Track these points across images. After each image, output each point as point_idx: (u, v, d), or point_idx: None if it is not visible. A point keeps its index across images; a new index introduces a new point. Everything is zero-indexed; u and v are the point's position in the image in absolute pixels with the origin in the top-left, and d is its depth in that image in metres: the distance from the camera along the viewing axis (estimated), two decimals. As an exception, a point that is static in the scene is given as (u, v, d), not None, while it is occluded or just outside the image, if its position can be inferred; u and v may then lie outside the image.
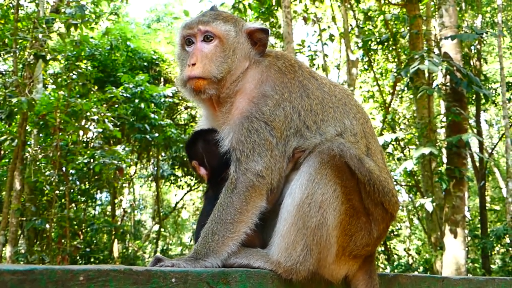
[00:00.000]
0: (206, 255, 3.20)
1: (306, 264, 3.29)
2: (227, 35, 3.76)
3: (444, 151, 16.56)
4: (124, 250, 27.85)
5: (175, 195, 37.73)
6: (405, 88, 19.63)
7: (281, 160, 3.48)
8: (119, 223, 26.63)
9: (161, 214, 30.52)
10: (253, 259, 3.31)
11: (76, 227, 21.79)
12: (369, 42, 21.44)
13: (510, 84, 26.88)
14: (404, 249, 30.46)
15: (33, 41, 14.19)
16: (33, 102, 13.15)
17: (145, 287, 2.40)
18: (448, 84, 15.20)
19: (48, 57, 14.68)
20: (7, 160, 19.02)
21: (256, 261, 3.29)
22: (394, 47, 21.57)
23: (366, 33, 22.68)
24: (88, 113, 15.51)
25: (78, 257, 21.76)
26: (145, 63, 24.96)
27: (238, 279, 2.92)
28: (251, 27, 3.88)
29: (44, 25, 14.26)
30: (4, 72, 22.40)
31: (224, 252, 3.25)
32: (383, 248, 25.87)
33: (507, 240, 21.85)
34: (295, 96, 3.63)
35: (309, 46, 24.47)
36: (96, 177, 21.19)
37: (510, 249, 22.14)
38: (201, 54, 3.70)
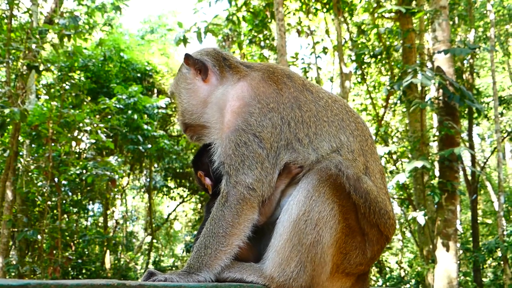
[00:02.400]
0: (199, 269, 3.19)
1: (299, 280, 3.28)
2: (173, 87, 4.12)
3: (436, 164, 16.57)
4: (116, 262, 27.72)
5: (168, 206, 37.67)
6: (398, 102, 19.69)
7: (272, 172, 3.44)
8: (111, 234, 26.56)
9: (154, 225, 30.43)
10: (246, 273, 3.30)
11: (68, 238, 21.66)
12: (363, 56, 21.47)
13: (502, 99, 27.02)
14: (396, 262, 30.45)
15: (26, 52, 14.17)
16: (26, 113, 13.10)
17: (138, 302, 2.37)
18: (441, 98, 15.23)
19: (41, 67, 14.66)
20: (-1, 171, 18.97)
21: (249, 276, 3.28)
22: (387, 61, 21.60)
23: (360, 46, 22.74)
24: (81, 124, 15.48)
25: (69, 269, 21.67)
26: (139, 74, 24.97)
27: (231, 294, 2.90)
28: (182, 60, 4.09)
29: (37, 36, 14.26)
30: (-3, 82, 22.38)
31: (217, 265, 3.24)
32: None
33: (499, 253, 21.88)
34: (284, 107, 3.59)
35: (302, 59, 24.52)
36: (88, 188, 21.13)
37: (502, 262, 22.15)
38: None
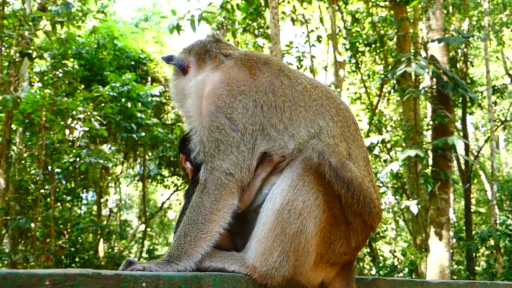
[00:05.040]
0: (179, 258, 3.15)
1: (281, 270, 3.23)
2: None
3: (430, 153, 16.61)
4: (110, 250, 27.74)
5: (162, 195, 37.73)
6: (392, 90, 19.67)
7: (250, 157, 3.40)
8: (104, 222, 26.57)
9: (147, 214, 30.46)
10: (228, 263, 3.24)
11: (61, 226, 21.68)
12: (357, 44, 21.48)
13: (496, 88, 27.03)
14: (390, 251, 30.55)
15: (19, 39, 14.08)
16: (19, 100, 13.06)
17: (114, 292, 2.35)
18: (435, 86, 15.25)
19: (34, 55, 14.59)
20: (-9, 158, 18.93)
21: (231, 265, 3.23)
22: (381, 49, 21.62)
23: (354, 35, 22.73)
24: (74, 112, 15.46)
25: (63, 257, 21.66)
26: (132, 62, 24.89)
27: (211, 283, 2.85)
28: None
29: (30, 23, 14.17)
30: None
31: (197, 253, 3.19)
32: (368, 250, 25.95)
33: (492, 242, 21.95)
34: (257, 91, 3.56)
35: (296, 47, 24.49)
36: (82, 176, 21.13)
37: (494, 251, 22.23)
38: None
